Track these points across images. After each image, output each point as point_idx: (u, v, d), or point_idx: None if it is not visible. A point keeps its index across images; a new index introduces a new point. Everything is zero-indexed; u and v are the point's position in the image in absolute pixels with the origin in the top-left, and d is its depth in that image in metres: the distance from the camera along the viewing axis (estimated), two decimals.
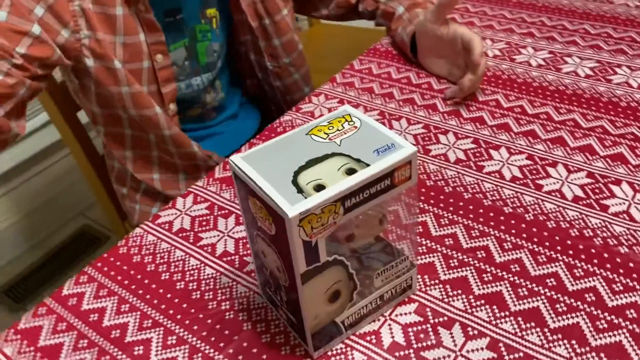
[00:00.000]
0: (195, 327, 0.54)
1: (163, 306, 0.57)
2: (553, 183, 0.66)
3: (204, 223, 0.66)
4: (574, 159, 0.69)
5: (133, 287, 0.59)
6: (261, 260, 0.52)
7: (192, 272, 0.60)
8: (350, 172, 0.44)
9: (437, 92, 0.84)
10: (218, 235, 0.64)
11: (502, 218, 0.62)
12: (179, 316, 0.56)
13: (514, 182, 0.66)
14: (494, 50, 0.93)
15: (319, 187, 0.43)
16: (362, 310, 0.52)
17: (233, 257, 0.61)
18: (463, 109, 0.80)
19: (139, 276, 0.60)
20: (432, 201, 0.65)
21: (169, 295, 0.58)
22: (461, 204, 0.64)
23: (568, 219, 0.61)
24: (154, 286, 0.59)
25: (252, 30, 0.94)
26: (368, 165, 0.45)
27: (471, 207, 0.64)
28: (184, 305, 0.57)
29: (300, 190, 0.43)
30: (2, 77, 0.67)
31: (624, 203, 0.62)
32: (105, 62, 0.78)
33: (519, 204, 0.63)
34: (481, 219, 0.62)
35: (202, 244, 0.63)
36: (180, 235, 0.65)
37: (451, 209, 0.64)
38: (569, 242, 0.58)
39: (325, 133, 0.49)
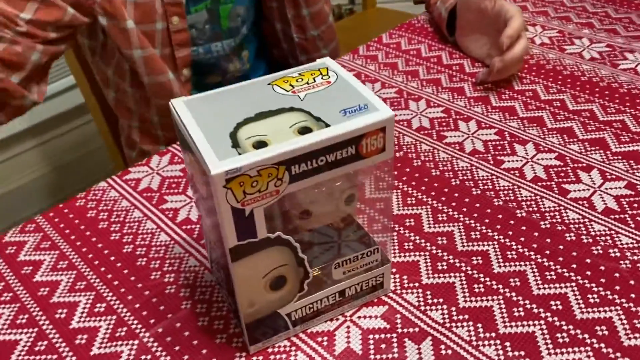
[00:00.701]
0: (130, 297, 0.47)
1: (103, 269, 0.50)
2: (583, 190, 0.55)
3: (174, 185, 0.59)
4: (613, 165, 0.57)
5: (78, 243, 0.53)
6: (205, 231, 0.44)
7: (145, 236, 0.53)
8: (304, 131, 0.36)
9: (468, 75, 0.74)
10: (184, 201, 0.57)
11: (511, 222, 0.52)
12: (116, 282, 0.49)
13: (534, 183, 0.56)
14: (542, 37, 0.81)
15: (260, 145, 0.35)
16: (316, 305, 0.43)
17: (193, 227, 0.54)
18: (493, 95, 0.69)
19: (87, 232, 0.54)
20: (432, 193, 0.56)
21: (112, 258, 0.51)
22: (466, 200, 0.54)
23: (592, 234, 0.50)
24: (100, 245, 0.52)
25: None
26: (328, 125, 0.36)
27: (478, 205, 0.54)
28: (125, 271, 0.50)
29: (236, 146, 0.35)
30: (6, 45, 0.64)
31: None
32: (117, 21, 0.73)
33: (535, 209, 0.53)
34: (486, 220, 0.52)
35: (164, 207, 0.56)
36: (144, 194, 0.58)
37: (453, 204, 0.54)
38: (588, 260, 0.48)
39: (290, 85, 0.40)
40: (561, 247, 0.49)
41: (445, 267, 0.48)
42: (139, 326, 0.45)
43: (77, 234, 0.54)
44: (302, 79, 0.41)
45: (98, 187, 0.60)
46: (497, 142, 0.62)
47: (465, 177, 0.57)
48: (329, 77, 0.41)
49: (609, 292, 0.45)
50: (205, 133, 0.36)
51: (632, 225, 0.51)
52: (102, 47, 0.80)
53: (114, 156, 1.11)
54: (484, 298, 0.45)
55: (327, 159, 0.36)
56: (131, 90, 0.82)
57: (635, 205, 0.53)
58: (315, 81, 0.40)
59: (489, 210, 0.53)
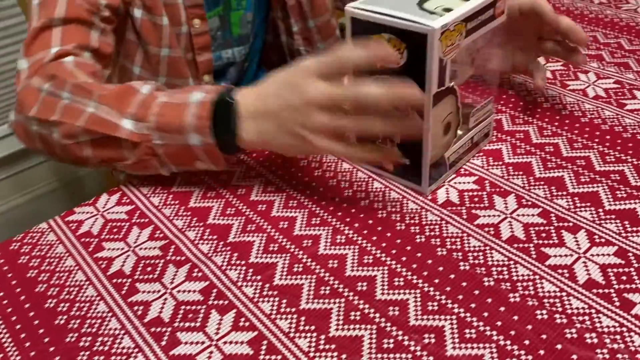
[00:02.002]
0: None
1: (18, 326, 0.46)
2: (565, 256, 0.48)
3: (115, 230, 0.55)
4: (604, 227, 0.50)
5: (0, 294, 0.49)
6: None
7: (71, 289, 0.49)
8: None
9: None
10: (121, 250, 0.52)
11: (476, 292, 0.45)
12: (27, 343, 0.44)
13: (510, 245, 0.49)
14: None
15: (447, 10, 0.48)
16: (461, 149, 0.56)
17: (124, 281, 0.49)
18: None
19: (14, 282, 0.50)
20: (393, 251, 0.49)
21: (31, 314, 0.47)
22: (429, 262, 0.48)
23: (569, 312, 0.43)
24: (22, 298, 0.48)
25: (285, 5, 0.82)
26: None
27: (441, 268, 0.47)
28: (40, 331, 0.45)
29: (431, 12, 0.47)
30: (99, 35, 0.65)
31: None
32: (153, 16, 0.70)
33: (507, 277, 0.46)
34: (447, 288, 0.46)
35: (99, 255, 0.52)
36: (82, 240, 0.54)
37: (414, 266, 0.48)
38: (559, 346, 0.41)
39: None
40: (529, 327, 0.42)
41: (391, 346, 0.42)
42: None
43: (1, 282, 0.50)
44: None
45: (37, 229, 0.55)
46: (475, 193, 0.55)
47: (432, 234, 0.51)
48: None
49: None
50: (400, 12, 0.47)
51: (617, 304, 0.43)
52: (124, 45, 0.77)
53: (105, 176, 1.07)
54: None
55: (480, 18, 0.50)
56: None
57: (624, 277, 0.45)
58: None
59: (452, 276, 0.47)
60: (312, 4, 0.82)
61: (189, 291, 0.47)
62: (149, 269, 0.50)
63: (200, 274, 0.49)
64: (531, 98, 0.69)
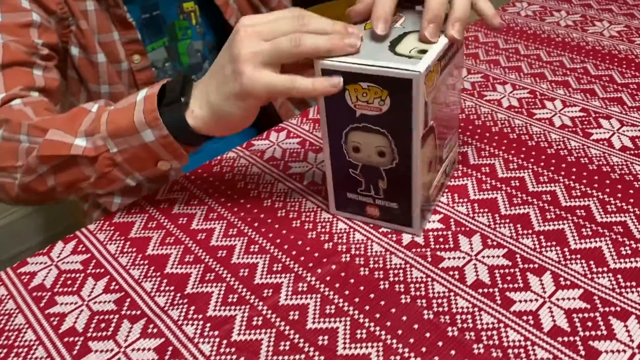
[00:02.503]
0: None
1: None
2: (529, 301, 0.47)
3: (69, 282, 0.52)
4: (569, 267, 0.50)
5: None
6: (347, 161, 0.52)
7: (20, 349, 0.46)
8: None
9: None
10: (74, 304, 0.50)
11: (440, 344, 0.44)
12: None
13: (475, 290, 0.48)
14: (511, 99, 0.74)
15: (422, 51, 0.46)
16: (438, 183, 0.56)
17: (76, 339, 0.47)
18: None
19: None
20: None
21: None
22: (393, 310, 0.47)
23: None
24: None
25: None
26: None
27: (404, 318, 0.46)
28: None
29: (407, 56, 0.46)
30: (42, 72, 0.64)
31: None
32: (88, 54, 0.71)
33: (471, 325, 0.45)
34: (410, 340, 0.44)
35: (51, 311, 0.50)
36: (34, 294, 0.52)
37: (377, 316, 0.47)
38: None
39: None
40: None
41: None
42: None
43: None
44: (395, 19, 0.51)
45: None
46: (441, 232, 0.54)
47: (396, 280, 0.50)
48: (397, 17, 0.51)
49: None
50: (377, 60, 0.45)
51: (582, 353, 0.42)
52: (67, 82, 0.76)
53: (74, 209, 1.05)
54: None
55: (449, 53, 0.49)
56: None
57: (589, 324, 0.45)
58: (395, 19, 0.51)
59: (416, 326, 0.45)
60: None
61: (144, 349, 0.46)
62: (102, 325, 0.48)
63: (155, 330, 0.47)
64: (497, 128, 0.68)
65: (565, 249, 0.51)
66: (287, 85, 0.47)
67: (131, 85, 0.75)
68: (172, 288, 0.51)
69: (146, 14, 0.76)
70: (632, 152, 0.62)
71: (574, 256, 0.50)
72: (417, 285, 0.49)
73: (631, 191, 0.57)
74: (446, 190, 0.59)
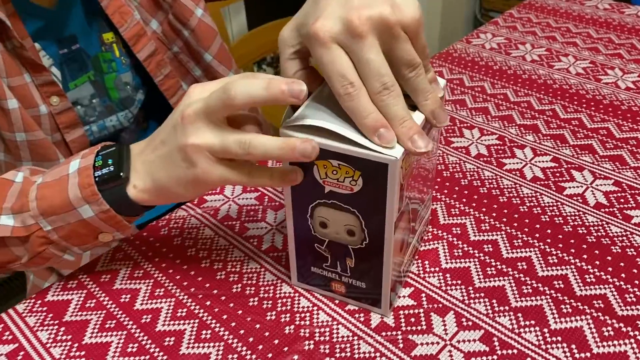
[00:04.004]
0: None
1: None
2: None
3: None
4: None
5: None
6: (312, 235, 0.47)
7: None
8: (413, 108, 0.42)
9: None
10: None
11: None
12: None
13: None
14: (480, 146, 0.70)
15: None
16: (410, 258, 0.52)
17: None
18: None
19: None
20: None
21: None
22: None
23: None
24: None
25: (172, 52, 0.76)
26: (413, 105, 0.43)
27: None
28: None
29: None
30: None
31: None
32: None
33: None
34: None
35: None
36: None
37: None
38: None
39: None
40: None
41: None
42: None
43: None
44: None
45: None
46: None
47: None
48: None
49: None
50: (349, 131, 0.40)
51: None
52: None
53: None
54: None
55: (426, 127, 0.43)
56: None
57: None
58: None
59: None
60: (197, 36, 0.76)
61: None
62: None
63: None
64: (467, 181, 0.64)
65: (545, 330, 0.47)
66: (244, 180, 0.43)
67: (53, 129, 0.68)
68: None
69: (64, 49, 0.69)
70: (606, 209, 0.60)
71: (554, 338, 0.47)
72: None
73: (609, 257, 0.54)
74: (417, 257, 0.55)
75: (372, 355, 0.46)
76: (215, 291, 0.52)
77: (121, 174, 0.45)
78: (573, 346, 0.46)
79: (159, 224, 0.60)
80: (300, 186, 0.44)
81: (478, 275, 0.53)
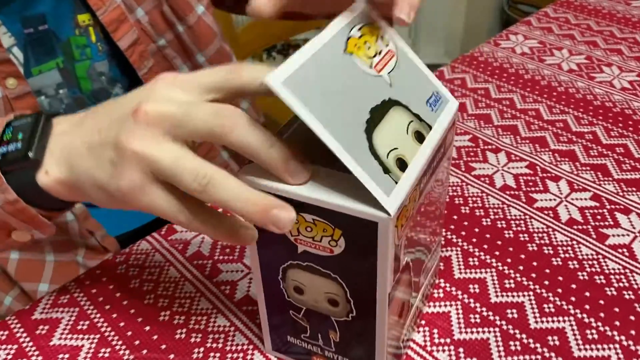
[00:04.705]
0: None
1: None
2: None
3: None
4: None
5: None
6: (286, 300, 0.37)
7: None
8: (419, 136, 0.32)
9: None
10: None
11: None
12: None
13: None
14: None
15: (401, 163, 0.31)
16: (412, 322, 0.41)
17: None
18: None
19: None
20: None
21: None
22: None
23: None
24: None
25: (157, 45, 0.66)
26: (429, 125, 0.33)
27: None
28: None
29: (383, 165, 0.30)
30: None
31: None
32: None
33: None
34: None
35: None
36: None
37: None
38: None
39: (366, 56, 0.32)
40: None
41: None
42: None
43: None
44: (369, 45, 0.33)
45: None
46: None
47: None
48: (387, 41, 0.34)
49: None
50: (346, 147, 0.28)
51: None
52: None
53: None
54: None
55: (432, 164, 0.34)
56: None
57: None
58: (380, 49, 0.33)
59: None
60: (194, 34, 0.67)
61: None
62: None
63: None
64: (489, 221, 0.53)
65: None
66: (180, 219, 0.32)
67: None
68: None
69: (29, 28, 0.59)
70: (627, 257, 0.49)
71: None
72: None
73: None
74: (422, 322, 0.44)
75: None
76: (171, 356, 0.42)
77: (29, 153, 0.35)
78: None
79: (115, 260, 0.50)
80: (266, 243, 0.34)
81: (498, 351, 0.42)
